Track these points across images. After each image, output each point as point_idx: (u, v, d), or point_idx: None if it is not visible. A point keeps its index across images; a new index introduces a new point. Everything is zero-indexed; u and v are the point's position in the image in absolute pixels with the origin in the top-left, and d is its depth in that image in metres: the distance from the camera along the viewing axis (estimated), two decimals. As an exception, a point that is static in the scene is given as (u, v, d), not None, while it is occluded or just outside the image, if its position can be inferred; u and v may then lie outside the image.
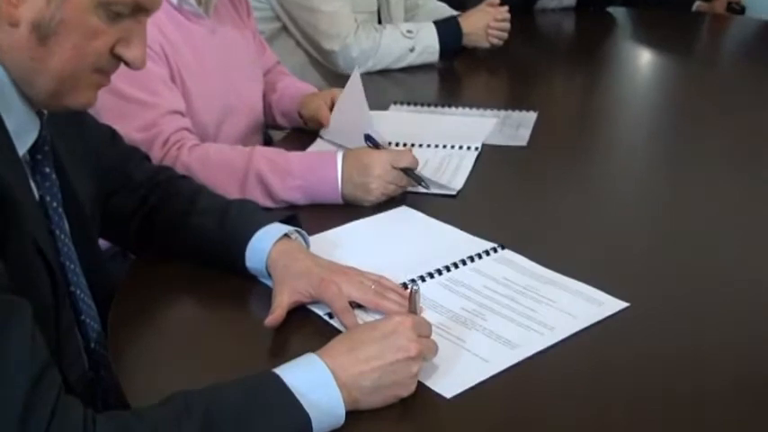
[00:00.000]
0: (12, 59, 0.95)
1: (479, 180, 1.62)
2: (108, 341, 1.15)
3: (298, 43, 2.38)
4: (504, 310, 1.19)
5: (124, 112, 1.50)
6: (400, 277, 1.25)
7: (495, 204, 1.57)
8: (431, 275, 1.28)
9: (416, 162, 1.53)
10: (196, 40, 1.68)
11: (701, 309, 1.23)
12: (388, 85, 2.27)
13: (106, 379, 1.15)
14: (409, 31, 2.34)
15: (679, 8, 3.19)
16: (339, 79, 2.31)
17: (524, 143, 1.81)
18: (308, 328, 1.17)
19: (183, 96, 1.62)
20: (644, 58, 2.77)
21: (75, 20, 0.94)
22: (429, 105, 2.02)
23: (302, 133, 1.88)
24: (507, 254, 1.34)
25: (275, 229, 1.25)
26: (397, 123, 1.89)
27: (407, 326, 1.00)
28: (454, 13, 2.56)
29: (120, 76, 1.07)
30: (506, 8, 2.45)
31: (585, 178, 1.69)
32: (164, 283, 1.28)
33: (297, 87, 1.97)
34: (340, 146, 1.74)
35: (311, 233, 1.32)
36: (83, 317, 1.13)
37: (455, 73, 2.41)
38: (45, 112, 1.04)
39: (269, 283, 1.23)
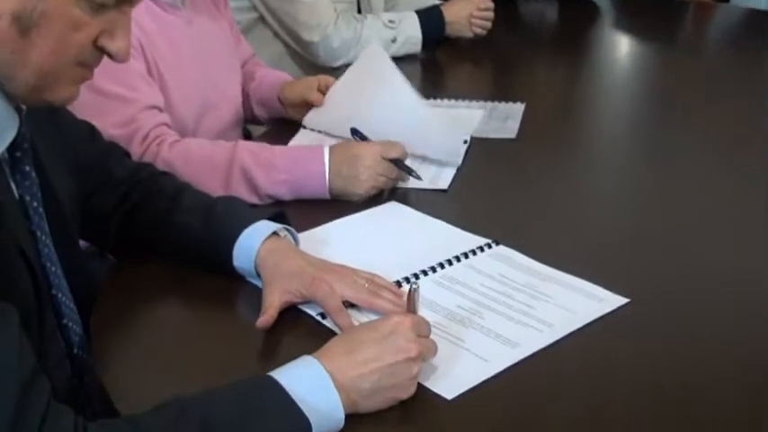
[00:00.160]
0: None
1: (469, 174, 1.61)
2: (91, 346, 1.13)
3: (275, 34, 2.36)
4: (502, 308, 1.19)
5: (101, 108, 1.47)
6: (393, 275, 1.24)
7: (486, 199, 1.57)
8: (424, 273, 1.27)
9: (407, 153, 1.52)
10: (173, 32, 1.66)
11: (703, 303, 1.23)
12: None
13: (90, 385, 1.13)
14: (391, 21, 2.33)
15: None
16: (318, 71, 2.30)
17: (513, 135, 1.81)
18: (299, 329, 1.16)
19: (160, 90, 1.60)
20: (628, 47, 2.78)
21: (57, 11, 0.92)
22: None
23: (283, 127, 1.86)
24: (502, 250, 1.33)
25: (263, 227, 1.24)
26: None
27: (407, 326, 1.00)
28: (436, 1, 2.55)
29: (97, 71, 1.05)
30: (490, -3, 2.45)
31: (577, 170, 1.70)
32: (147, 284, 1.27)
33: (275, 75, 1.97)
34: (327, 135, 1.73)
35: (298, 230, 1.30)
36: (65, 320, 1.12)
37: (438, 64, 2.40)
38: (24, 107, 1.02)
39: (257, 283, 1.22)
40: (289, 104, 1.86)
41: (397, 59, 2.28)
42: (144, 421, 0.88)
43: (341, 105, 1.75)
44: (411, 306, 1.05)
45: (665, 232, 1.44)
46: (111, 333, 1.15)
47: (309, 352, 0.99)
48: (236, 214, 1.28)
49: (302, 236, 1.31)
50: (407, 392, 0.99)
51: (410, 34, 2.34)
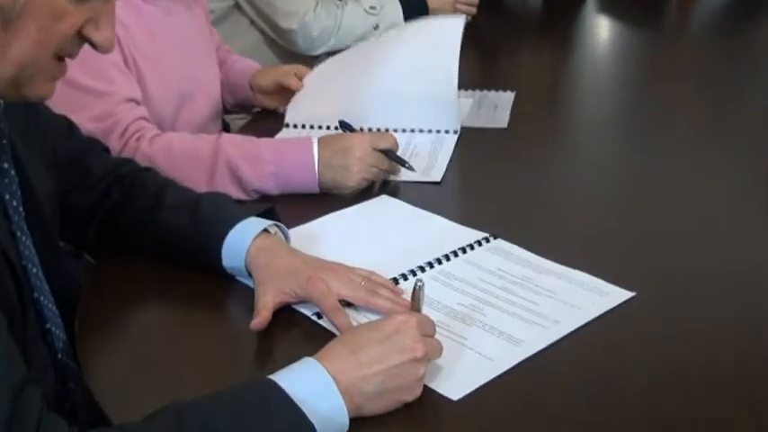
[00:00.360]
0: None
1: (462, 165, 1.61)
2: (76, 351, 1.11)
3: (252, 22, 2.34)
4: (504, 304, 1.18)
5: (78, 102, 1.45)
6: (389, 272, 1.23)
7: (480, 191, 1.56)
8: (421, 269, 1.26)
9: (397, 144, 1.51)
10: (150, 22, 1.64)
11: (710, 294, 1.23)
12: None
13: (75, 392, 1.12)
14: (372, 8, 2.32)
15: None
16: (297, 60, 2.28)
17: (504, 125, 1.80)
18: (295, 331, 1.14)
19: (137, 83, 1.58)
20: (613, 32, 2.79)
21: (41, 1, 0.90)
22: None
23: (264, 120, 1.85)
24: (500, 243, 1.33)
25: (253, 224, 1.22)
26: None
27: (411, 325, 0.98)
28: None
29: (72, 64, 1.03)
30: (474, -19, 2.44)
31: (572, 159, 1.70)
32: (131, 285, 1.25)
33: (246, 62, 1.96)
34: (312, 130, 1.71)
35: (287, 227, 1.29)
36: (48, 325, 1.10)
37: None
38: (2, 102, 1.00)
39: (248, 282, 1.21)
40: (260, 91, 1.85)
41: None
42: (141, 428, 0.86)
43: (325, 93, 1.74)
44: (415, 304, 1.04)
45: (665, 221, 1.43)
46: (96, 338, 1.13)
47: (306, 354, 0.98)
48: (223, 211, 1.26)
49: (291, 232, 1.29)
50: (413, 394, 0.98)
51: (393, 21, 2.33)
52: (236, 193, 1.45)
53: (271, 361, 1.10)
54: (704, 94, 2.05)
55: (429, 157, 1.62)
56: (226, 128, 2.01)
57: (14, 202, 1.05)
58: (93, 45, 0.98)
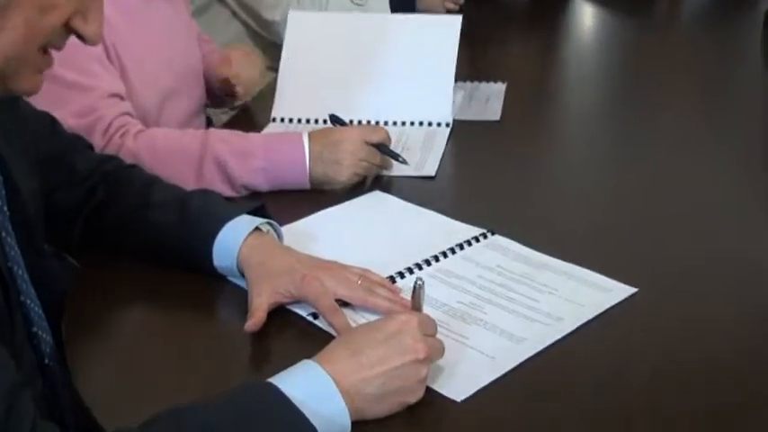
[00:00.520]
0: None
1: (456, 159, 1.61)
2: (64, 356, 1.10)
3: (233, 14, 2.32)
4: (504, 302, 1.18)
5: (59, 97, 1.43)
6: (385, 270, 1.22)
7: (475, 185, 1.56)
8: (418, 266, 1.25)
9: (390, 137, 1.50)
10: (132, 14, 1.62)
11: (714, 287, 1.23)
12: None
13: (63, 397, 1.10)
14: (358, -2, 2.31)
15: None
16: (280, 52, 2.27)
17: (497, 117, 1.80)
18: (290, 332, 1.13)
19: (120, 76, 1.56)
20: (602, 21, 2.80)
21: (15, 8, 0.89)
22: (387, 79, 1.99)
23: (248, 114, 1.84)
24: (498, 239, 1.32)
25: (245, 223, 1.21)
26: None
27: (413, 325, 0.98)
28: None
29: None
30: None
31: (567, 152, 1.71)
32: (119, 287, 1.24)
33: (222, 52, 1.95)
34: (300, 122, 1.71)
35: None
36: (35, 329, 1.09)
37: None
38: None
39: (240, 282, 1.20)
40: (229, 76, 1.84)
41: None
42: (138, 435, 0.85)
43: (313, 85, 1.73)
44: (416, 303, 1.03)
45: (662, 214, 1.44)
46: (84, 342, 1.12)
47: (303, 356, 0.97)
48: (213, 209, 1.25)
49: (282, 230, 1.29)
50: (416, 396, 0.97)
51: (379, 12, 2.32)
52: (225, 190, 1.43)
53: (266, 363, 1.10)
54: (696, 83, 2.07)
55: (421, 151, 1.61)
56: (209, 123, 1.99)
57: (-1, 202, 1.04)
58: (81, 37, 0.97)
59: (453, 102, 1.75)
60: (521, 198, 1.50)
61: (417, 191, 1.49)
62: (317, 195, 1.47)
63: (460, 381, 1.02)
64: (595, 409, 1.00)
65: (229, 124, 1.85)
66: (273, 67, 2.16)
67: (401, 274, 1.23)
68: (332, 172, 1.46)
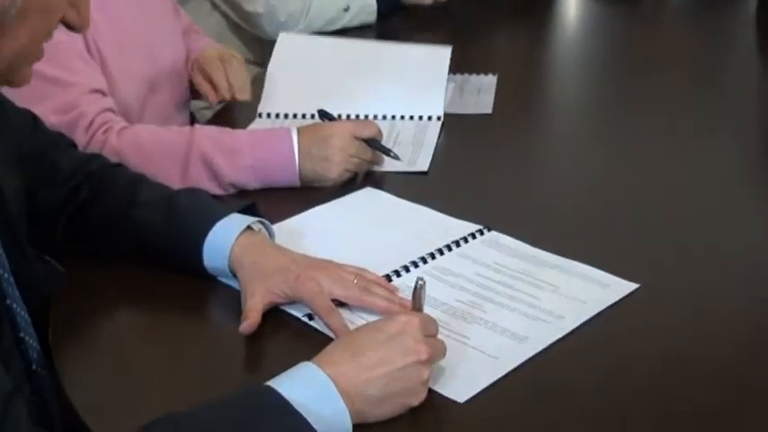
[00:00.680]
0: None
1: (448, 154, 1.61)
2: (52, 361, 1.09)
3: (214, 6, 2.31)
4: (504, 300, 1.18)
5: (39, 93, 1.40)
6: (380, 268, 1.22)
7: (468, 180, 1.55)
8: (414, 264, 1.25)
9: (381, 132, 1.50)
10: (112, 5, 1.61)
11: (717, 282, 1.24)
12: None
13: (51, 404, 1.10)
14: (343, -12, 2.30)
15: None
16: (264, 45, 2.26)
17: (489, 110, 1.80)
18: (285, 333, 1.13)
19: (101, 71, 1.55)
20: (591, 10, 2.79)
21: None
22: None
23: (233, 110, 1.82)
24: (495, 236, 1.32)
25: (236, 221, 1.21)
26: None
27: (414, 326, 0.98)
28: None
29: None
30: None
31: (562, 144, 1.71)
32: (107, 290, 1.23)
33: (211, 42, 1.92)
34: (287, 117, 1.71)
35: (267, 223, 1.28)
36: (21, 334, 1.08)
37: (397, 35, 2.35)
38: None
39: (231, 283, 1.20)
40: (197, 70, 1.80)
41: (351, 30, 2.30)
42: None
43: (300, 80, 1.73)
44: (417, 303, 1.03)
45: (659, 207, 1.44)
46: (72, 347, 1.12)
47: (298, 358, 0.97)
48: (203, 208, 1.25)
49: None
50: (418, 398, 0.97)
51: (364, 3, 2.31)
52: (211, 188, 1.42)
53: (261, 366, 1.10)
54: (687, 73, 2.07)
55: (413, 146, 1.61)
56: (192, 119, 1.98)
57: (-19, 204, 1.03)
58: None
59: (443, 96, 1.75)
60: (516, 193, 1.50)
61: (410, 187, 1.49)
62: (306, 193, 1.46)
63: (463, 381, 1.02)
64: (599, 410, 1.01)
65: (214, 120, 1.84)
66: (257, 61, 2.16)
67: (397, 273, 1.23)
68: (322, 169, 1.45)
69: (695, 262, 1.28)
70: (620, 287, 1.20)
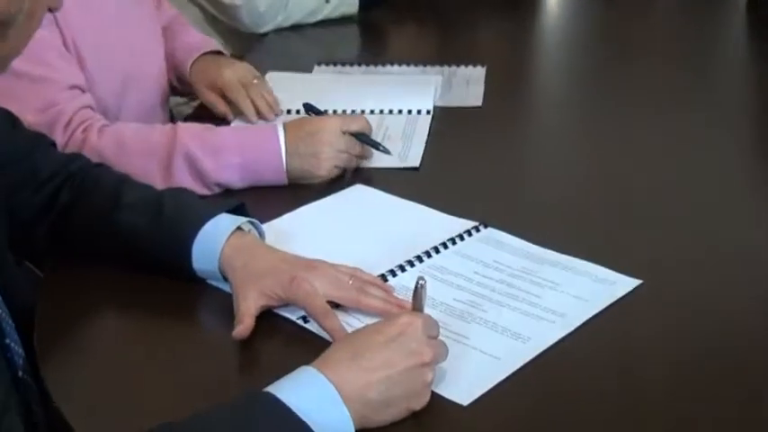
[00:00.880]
0: None
1: (440, 148, 1.61)
2: (37, 368, 1.09)
3: (190, -3, 2.30)
4: (504, 299, 1.18)
5: (15, 92, 1.40)
6: (374, 268, 1.22)
7: (461, 175, 1.55)
8: (410, 264, 1.25)
9: (370, 126, 1.50)
10: (89, 1, 1.60)
11: (720, 276, 1.25)
12: (306, 44, 2.23)
13: (38, 413, 1.09)
14: (324, -21, 2.30)
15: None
16: (241, 39, 2.26)
17: (479, 103, 1.81)
18: (280, 337, 1.13)
19: (79, 66, 1.55)
20: (578, 1, 2.81)
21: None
22: (360, 65, 2.00)
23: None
24: (492, 232, 1.33)
25: (225, 222, 1.21)
26: (327, 87, 1.86)
27: (416, 327, 0.98)
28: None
29: None
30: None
31: (554, 137, 1.72)
32: (93, 296, 1.22)
33: (196, 39, 1.89)
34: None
35: (255, 223, 1.28)
36: (7, 340, 1.07)
37: (380, 27, 2.38)
38: None
39: (222, 286, 1.19)
40: (206, 84, 1.77)
41: (332, 22, 2.30)
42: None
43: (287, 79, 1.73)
44: (417, 304, 1.03)
45: (657, 200, 1.45)
46: (58, 353, 1.11)
47: (294, 362, 0.97)
48: (190, 209, 1.24)
49: (262, 229, 1.28)
50: (421, 402, 0.97)
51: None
52: (196, 188, 1.42)
53: (255, 371, 1.10)
54: (678, 63, 2.09)
55: (403, 141, 1.61)
56: (171, 116, 1.97)
57: (-41, 206, 1.03)
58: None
59: (432, 89, 1.76)
60: (512, 188, 1.50)
61: (401, 183, 1.48)
62: (293, 191, 1.46)
63: (465, 383, 1.02)
64: (609, 410, 1.01)
65: (193, 117, 1.83)
66: (236, 54, 2.15)
67: (393, 272, 1.23)
68: (310, 166, 1.45)
69: (699, 255, 1.29)
70: (623, 283, 1.20)
